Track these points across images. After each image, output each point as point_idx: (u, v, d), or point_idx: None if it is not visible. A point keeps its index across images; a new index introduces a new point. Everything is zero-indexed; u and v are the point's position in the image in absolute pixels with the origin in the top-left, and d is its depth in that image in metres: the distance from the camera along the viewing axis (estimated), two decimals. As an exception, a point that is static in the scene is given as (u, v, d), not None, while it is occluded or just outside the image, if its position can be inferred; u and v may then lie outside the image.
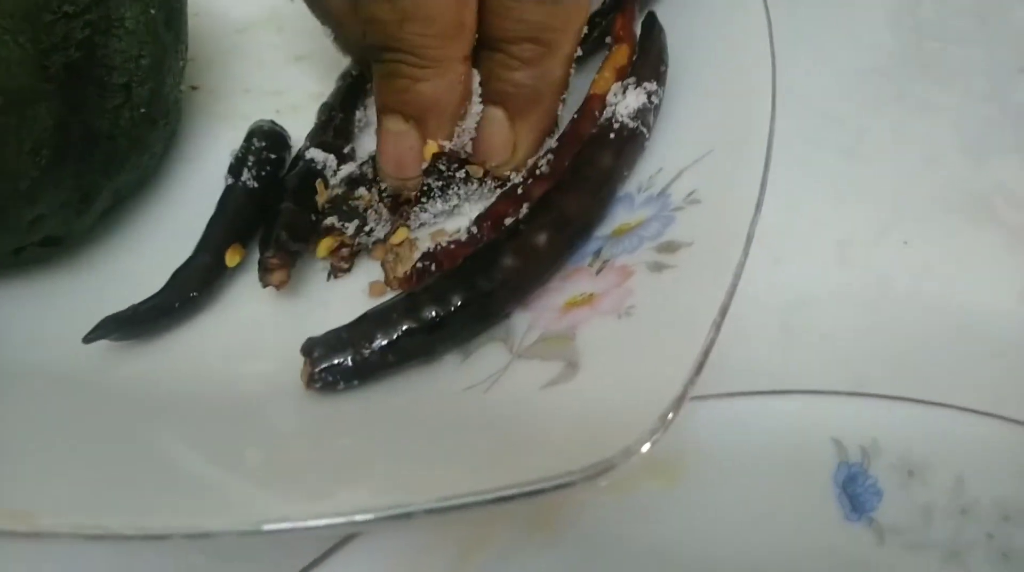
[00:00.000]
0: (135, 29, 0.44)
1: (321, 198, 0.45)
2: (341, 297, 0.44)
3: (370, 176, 0.46)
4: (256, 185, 0.47)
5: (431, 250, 0.43)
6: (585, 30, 0.43)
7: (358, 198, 0.45)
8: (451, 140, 0.42)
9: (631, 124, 0.42)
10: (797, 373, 0.44)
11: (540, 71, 0.41)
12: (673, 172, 0.41)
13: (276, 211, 0.45)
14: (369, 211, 0.45)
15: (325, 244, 0.44)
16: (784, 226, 0.51)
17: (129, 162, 0.46)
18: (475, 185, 0.45)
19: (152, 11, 0.45)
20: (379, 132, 0.42)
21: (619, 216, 0.41)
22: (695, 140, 0.42)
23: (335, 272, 0.45)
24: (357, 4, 0.40)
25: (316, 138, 0.49)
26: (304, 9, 0.58)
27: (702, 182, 0.39)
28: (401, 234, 0.46)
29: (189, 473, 0.33)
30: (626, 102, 0.42)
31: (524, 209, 0.42)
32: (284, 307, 0.44)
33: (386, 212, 0.45)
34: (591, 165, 0.41)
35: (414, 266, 0.42)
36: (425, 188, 0.45)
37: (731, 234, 0.34)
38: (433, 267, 0.42)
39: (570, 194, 0.41)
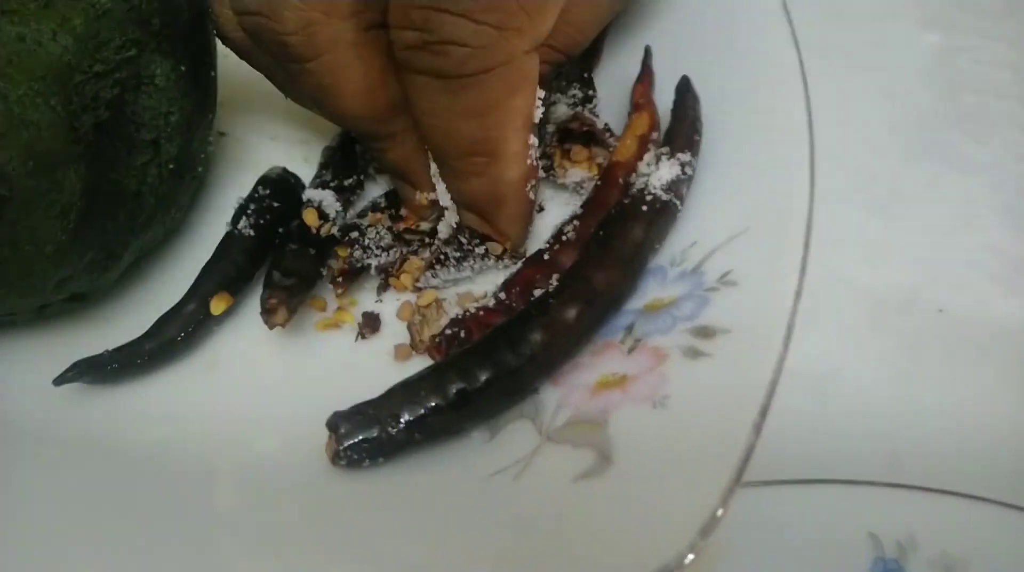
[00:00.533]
0: (165, 86, 0.44)
1: (311, 222, 0.45)
2: (365, 360, 0.44)
3: (383, 205, 0.47)
4: (252, 233, 0.46)
5: (459, 316, 0.42)
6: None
7: (363, 215, 0.47)
8: (431, 191, 0.44)
9: (664, 197, 0.41)
10: (831, 452, 0.43)
11: (492, 177, 0.40)
12: (707, 248, 0.40)
13: (278, 252, 0.45)
14: (370, 228, 0.46)
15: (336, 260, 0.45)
16: (815, 287, 0.50)
17: (156, 218, 0.46)
18: (491, 261, 0.45)
19: (182, 67, 0.45)
20: None
21: (651, 289, 0.40)
22: (730, 215, 0.41)
23: (363, 331, 0.45)
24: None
25: (315, 181, 0.49)
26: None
27: (738, 262, 0.38)
28: (429, 296, 0.45)
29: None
30: (659, 174, 0.41)
31: (553, 279, 0.41)
32: (298, 365, 0.44)
33: (388, 235, 0.46)
34: (622, 238, 0.40)
35: (442, 332, 0.42)
36: (442, 256, 0.45)
37: (771, 326, 0.34)
38: (462, 334, 0.41)
39: (600, 267, 0.40)
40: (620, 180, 0.43)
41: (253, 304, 0.46)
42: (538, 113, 0.40)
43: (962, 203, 0.57)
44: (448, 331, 0.41)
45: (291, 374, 0.43)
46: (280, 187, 0.49)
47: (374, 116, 0.41)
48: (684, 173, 0.42)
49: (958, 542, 0.35)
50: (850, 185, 0.57)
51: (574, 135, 0.47)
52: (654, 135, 0.44)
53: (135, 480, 0.38)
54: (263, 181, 0.49)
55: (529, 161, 0.41)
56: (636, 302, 0.40)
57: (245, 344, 0.44)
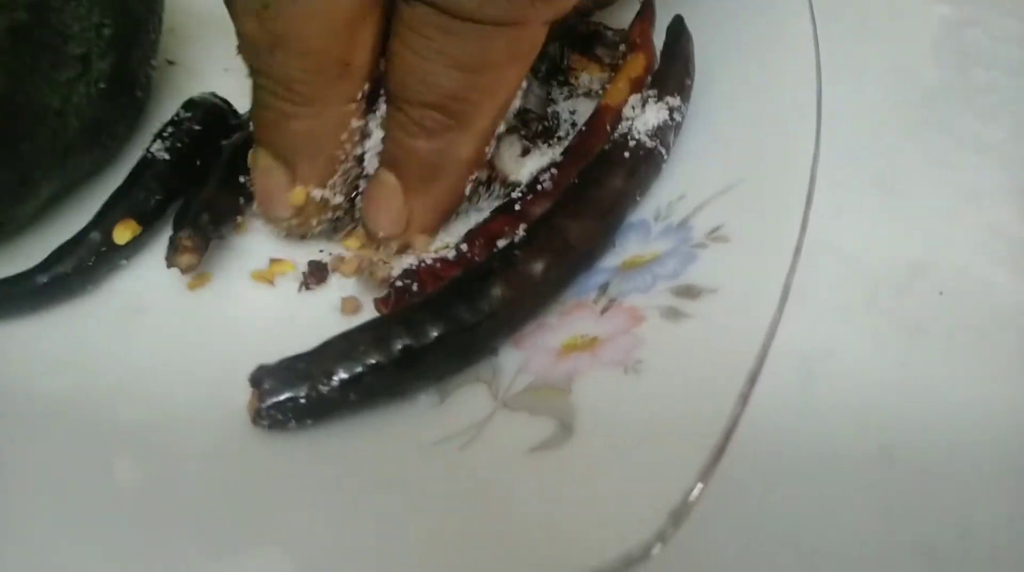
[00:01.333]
0: (96, -6, 0.39)
1: (252, 165, 0.39)
2: (307, 312, 0.39)
3: None
4: (167, 156, 0.41)
5: (412, 267, 0.37)
6: (517, 103, 0.36)
7: None
8: (324, 188, 0.37)
9: (648, 143, 0.37)
10: (817, 440, 0.39)
11: (443, 145, 0.34)
12: (696, 201, 0.35)
13: (201, 183, 0.40)
14: None
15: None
16: (810, 262, 0.46)
17: (82, 145, 0.41)
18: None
19: (119, -26, 0.40)
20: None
21: (631, 246, 0.36)
22: (723, 165, 0.36)
23: (307, 281, 0.40)
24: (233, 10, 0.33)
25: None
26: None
27: (731, 217, 0.33)
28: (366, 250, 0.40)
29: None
30: (644, 118, 0.37)
31: (521, 230, 0.36)
32: (228, 316, 0.39)
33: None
34: (600, 185, 0.36)
35: (392, 283, 0.37)
36: None
37: (764, 286, 0.29)
38: (414, 286, 0.37)
39: (574, 217, 0.35)
40: (608, 126, 0.39)
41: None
42: (516, 102, 0.36)
43: (968, 182, 0.53)
44: (398, 283, 0.37)
45: (219, 325, 0.38)
46: (207, 113, 0.44)
47: (328, 60, 0.33)
48: (672, 119, 0.37)
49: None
50: (852, 157, 0.52)
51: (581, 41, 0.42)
52: (647, 78, 0.40)
53: (21, 437, 0.33)
54: (188, 104, 0.44)
55: (486, 149, 0.36)
56: (613, 259, 0.36)
57: (166, 288, 0.39)
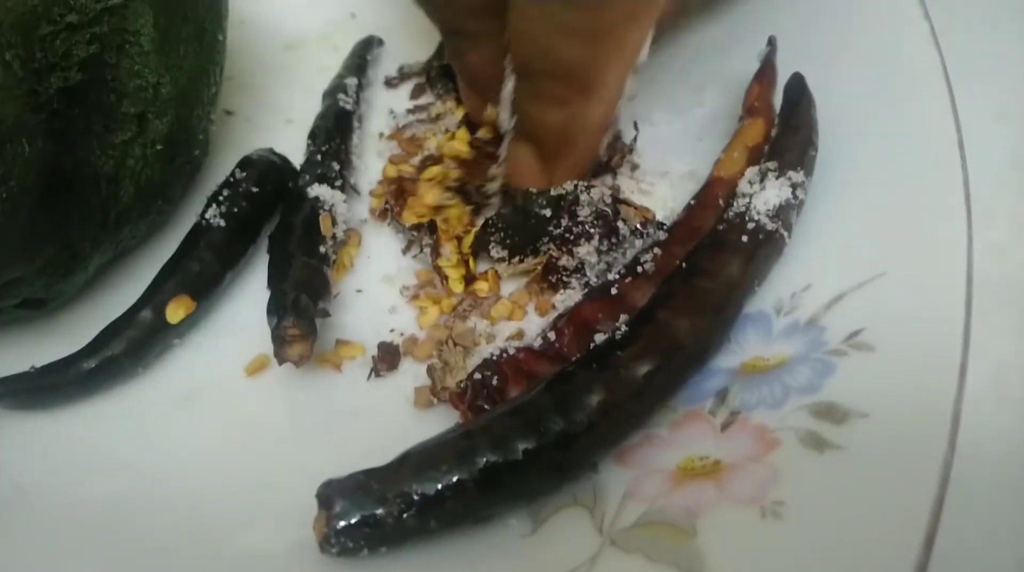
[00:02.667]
0: (153, 48, 0.36)
1: (326, 231, 0.38)
2: (378, 404, 0.35)
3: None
4: (223, 223, 0.38)
5: (492, 357, 0.33)
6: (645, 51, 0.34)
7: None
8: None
9: (769, 225, 0.32)
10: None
11: (572, 114, 0.34)
12: (827, 294, 0.31)
13: (282, 265, 0.36)
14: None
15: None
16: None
17: (137, 210, 0.37)
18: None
19: (179, 26, 0.37)
20: None
21: (750, 344, 0.31)
22: (856, 252, 0.32)
23: (377, 366, 0.36)
24: None
25: (314, 170, 0.40)
26: (367, 27, 0.49)
27: (873, 318, 0.29)
28: (459, 328, 0.36)
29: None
30: (764, 196, 0.33)
31: (620, 322, 0.32)
32: (290, 408, 0.35)
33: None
34: (712, 275, 0.31)
35: (470, 376, 0.33)
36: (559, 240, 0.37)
37: (928, 414, 0.24)
38: (495, 381, 0.32)
39: (682, 311, 0.31)
40: (720, 201, 0.34)
41: (230, 319, 0.37)
42: (644, 53, 0.34)
43: None
44: (477, 375, 0.32)
45: (279, 417, 0.34)
46: (264, 172, 0.40)
47: (472, 5, 0.35)
48: (795, 197, 0.33)
49: None
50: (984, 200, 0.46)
51: None
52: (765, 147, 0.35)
53: (69, 549, 0.29)
54: (244, 163, 0.41)
55: (617, 110, 0.35)
56: (731, 359, 0.31)
57: (222, 371, 0.36)
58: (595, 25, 0.31)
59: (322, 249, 0.37)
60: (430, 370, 0.35)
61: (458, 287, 0.37)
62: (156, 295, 0.36)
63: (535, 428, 0.28)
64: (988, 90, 0.51)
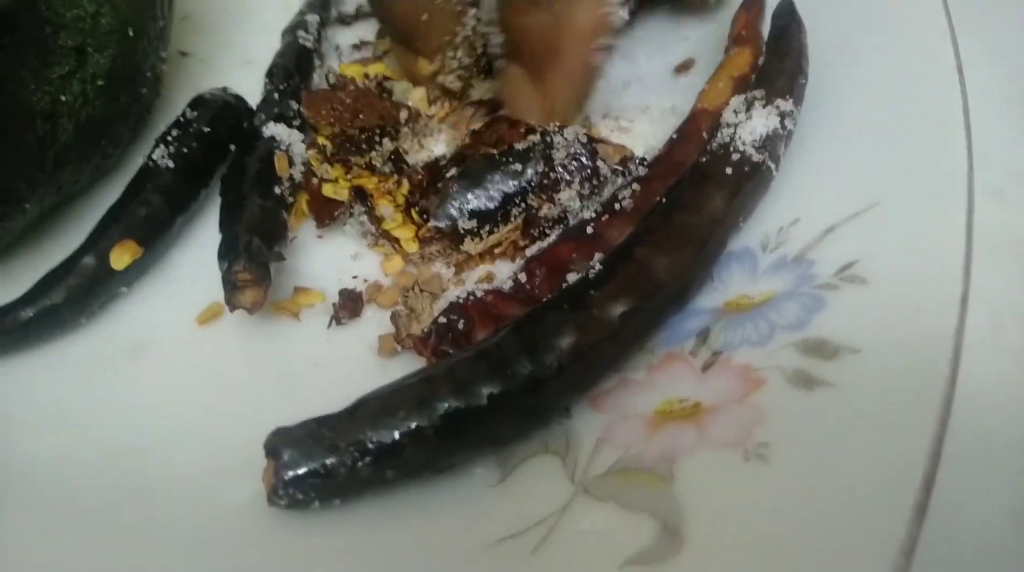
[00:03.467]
0: (90, -27, 0.33)
1: (283, 173, 0.35)
2: (339, 354, 0.33)
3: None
4: (171, 164, 0.36)
5: (459, 300, 0.31)
6: None
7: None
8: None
9: (755, 156, 0.30)
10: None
11: (553, 14, 0.32)
12: (817, 228, 0.29)
13: (235, 207, 0.34)
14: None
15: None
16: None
17: (76, 151, 0.35)
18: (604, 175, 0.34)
19: (118, -49, 0.34)
20: None
21: (735, 281, 0.29)
22: (849, 183, 0.30)
23: (338, 314, 0.34)
24: None
25: (271, 109, 0.38)
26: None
27: (866, 250, 0.27)
28: (425, 273, 0.34)
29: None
30: (750, 125, 0.30)
31: (595, 261, 0.29)
32: (245, 358, 0.33)
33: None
34: (694, 209, 0.29)
35: (435, 320, 0.31)
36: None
37: (927, 347, 0.22)
38: (460, 324, 0.30)
39: (662, 248, 0.29)
40: (704, 134, 0.32)
41: (181, 267, 0.35)
42: None
43: None
44: (442, 319, 0.30)
45: (233, 369, 0.32)
46: (217, 111, 0.38)
47: None
48: (783, 126, 0.31)
49: None
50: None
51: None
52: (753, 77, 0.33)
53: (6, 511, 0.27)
54: (195, 102, 0.38)
55: (605, 13, 0.33)
56: (713, 298, 0.29)
57: (172, 322, 0.33)
58: None
59: (278, 190, 0.35)
60: (394, 317, 0.32)
61: (412, 246, 0.35)
62: (100, 240, 0.34)
63: (501, 372, 0.26)
64: (984, 29, 0.49)
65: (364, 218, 0.35)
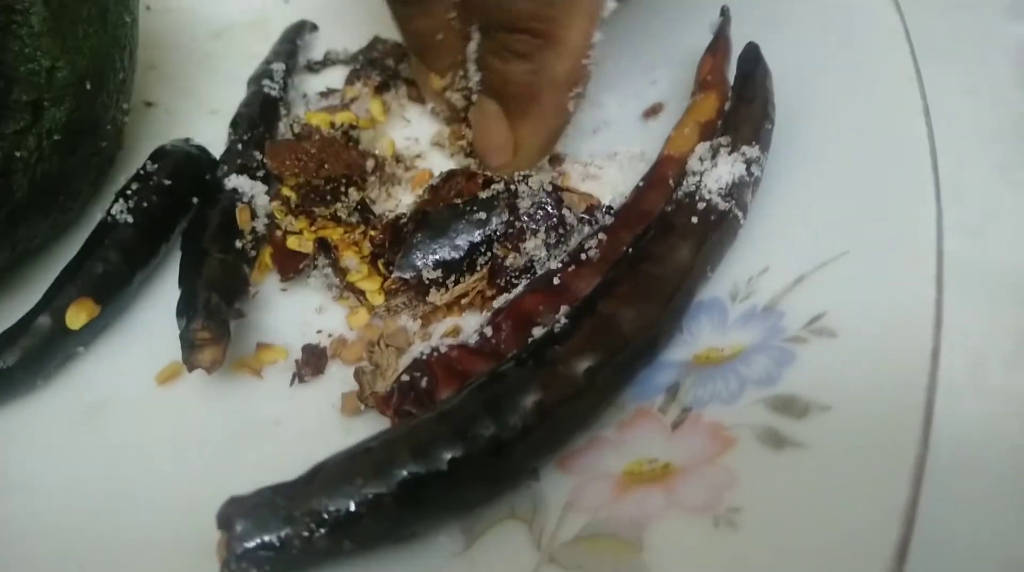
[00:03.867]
0: (45, 29, 0.32)
1: (244, 226, 0.35)
2: (299, 411, 0.32)
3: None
4: (131, 219, 0.35)
5: (422, 356, 0.30)
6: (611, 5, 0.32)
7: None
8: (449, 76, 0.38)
9: (722, 204, 0.29)
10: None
11: (536, 66, 0.33)
12: (787, 277, 0.28)
13: (195, 261, 0.33)
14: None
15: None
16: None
17: (32, 207, 0.34)
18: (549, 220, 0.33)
19: (74, 4, 0.33)
20: None
21: (704, 333, 0.29)
22: (816, 232, 0.29)
23: (301, 371, 0.33)
24: None
25: (234, 160, 0.37)
26: (300, 14, 0.46)
27: (835, 302, 0.26)
28: (391, 326, 0.33)
29: None
30: (716, 173, 0.30)
31: (560, 315, 0.29)
32: (204, 419, 0.32)
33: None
34: (659, 261, 0.29)
35: (397, 378, 0.30)
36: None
37: (899, 403, 0.22)
38: (424, 382, 0.29)
39: (628, 301, 0.28)
40: (671, 181, 0.31)
41: (140, 325, 0.34)
42: (609, 6, 0.32)
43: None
44: (404, 377, 0.29)
45: (194, 432, 0.31)
46: (178, 163, 0.37)
47: None
48: (750, 173, 0.30)
49: None
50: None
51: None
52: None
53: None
54: (156, 154, 0.37)
55: (584, 62, 0.33)
56: (683, 350, 0.28)
57: (130, 382, 0.32)
58: None
59: (239, 244, 0.34)
60: (358, 374, 0.31)
61: (378, 299, 0.34)
62: (55, 299, 0.33)
63: (463, 434, 0.25)
64: (956, 68, 0.49)
65: (329, 270, 0.35)
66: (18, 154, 0.33)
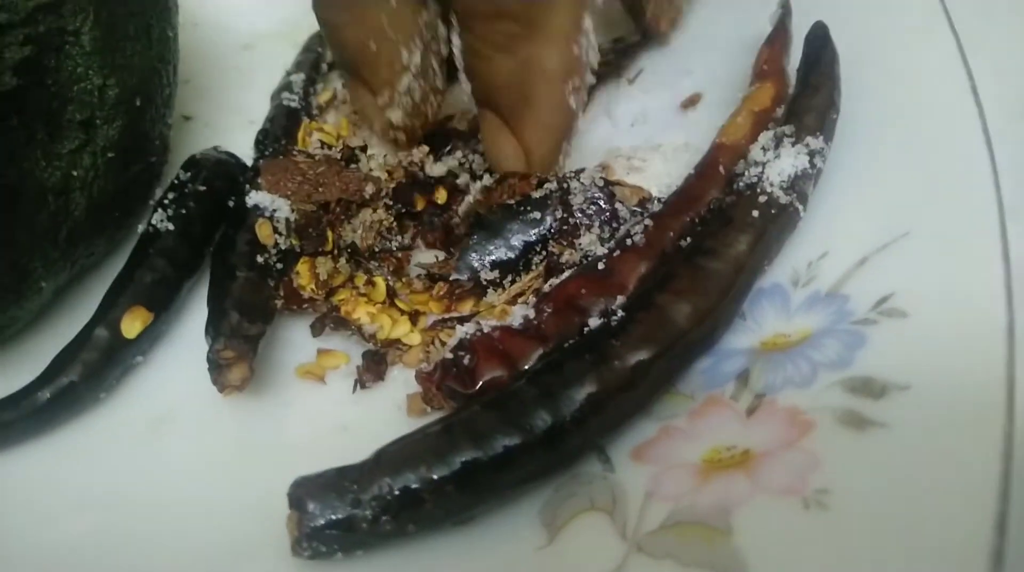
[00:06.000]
0: (95, 49, 0.33)
1: (267, 241, 0.34)
2: (365, 416, 0.32)
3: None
4: (171, 227, 0.35)
5: (467, 337, 0.30)
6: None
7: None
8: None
9: (783, 198, 0.29)
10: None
11: (522, 59, 0.30)
12: (848, 261, 0.28)
13: (221, 280, 0.33)
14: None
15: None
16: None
17: (90, 225, 0.34)
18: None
19: (122, 22, 0.34)
20: None
21: (768, 318, 0.29)
22: (875, 214, 0.29)
23: (362, 377, 0.33)
24: None
25: (257, 178, 0.36)
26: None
27: (902, 282, 0.26)
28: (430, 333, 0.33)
29: None
30: (779, 165, 0.30)
31: (617, 306, 0.29)
32: (271, 426, 0.32)
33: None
34: (718, 254, 0.29)
35: (442, 357, 0.30)
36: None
37: (979, 379, 0.22)
38: (466, 360, 0.29)
39: (684, 294, 0.28)
40: (722, 169, 0.31)
41: (197, 333, 0.34)
42: None
43: None
44: (448, 355, 0.30)
45: (259, 436, 0.31)
46: (211, 171, 0.37)
47: None
48: (813, 165, 0.30)
49: None
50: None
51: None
52: (777, 112, 0.33)
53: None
54: (188, 163, 0.38)
55: (576, 51, 0.31)
56: (748, 338, 0.29)
57: (193, 391, 0.32)
58: None
59: (260, 259, 0.33)
60: (418, 375, 0.32)
61: (415, 338, 0.33)
62: (109, 311, 0.33)
63: (519, 424, 0.25)
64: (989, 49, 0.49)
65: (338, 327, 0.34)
66: (75, 173, 0.33)
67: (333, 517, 0.25)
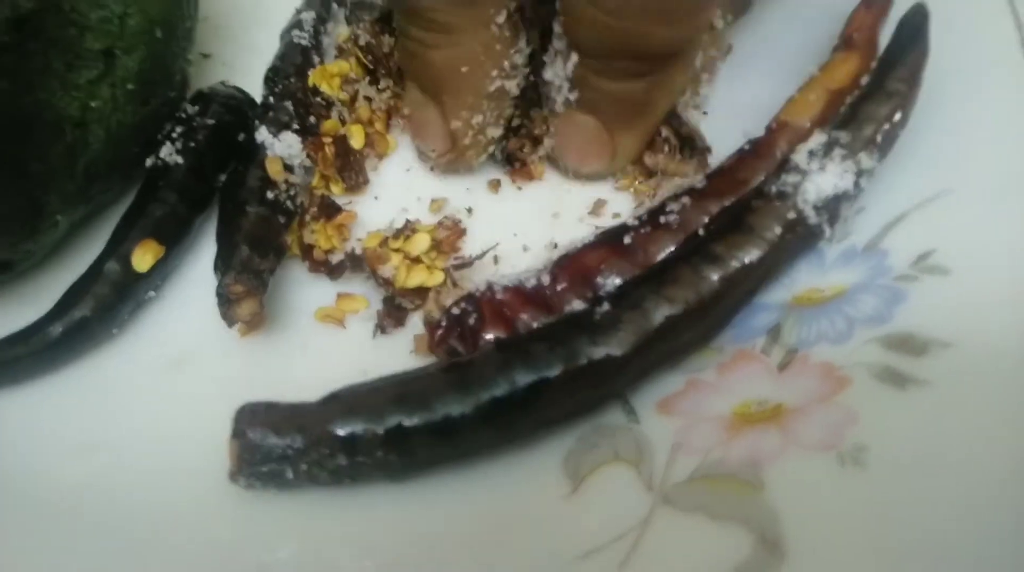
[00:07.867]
0: (116, -26, 0.32)
1: (277, 177, 0.33)
2: (384, 360, 0.31)
3: None
4: (181, 160, 0.34)
5: (477, 293, 0.30)
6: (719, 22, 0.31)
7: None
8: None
9: (813, 218, 0.27)
10: None
11: (652, 82, 0.31)
12: (884, 217, 0.27)
13: (231, 216, 0.32)
14: None
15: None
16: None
17: (107, 159, 0.34)
18: None
19: (144, -50, 0.33)
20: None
21: (801, 273, 0.28)
22: (914, 172, 0.28)
23: (383, 322, 0.33)
24: None
25: (265, 114, 0.36)
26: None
27: (943, 239, 0.25)
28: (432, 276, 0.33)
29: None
30: (819, 181, 0.27)
31: (614, 270, 0.29)
32: (289, 369, 0.32)
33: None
34: (721, 263, 0.27)
35: (447, 310, 0.30)
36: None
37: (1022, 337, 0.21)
38: (472, 319, 0.29)
39: (673, 301, 0.26)
40: (779, 153, 0.29)
41: (207, 269, 0.34)
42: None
43: None
44: (455, 310, 0.29)
45: (277, 381, 0.31)
46: (220, 106, 0.36)
47: None
48: (857, 186, 0.27)
49: None
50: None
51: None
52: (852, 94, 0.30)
53: (37, 546, 0.26)
54: (196, 98, 0.37)
55: (697, 64, 0.32)
56: (780, 292, 0.28)
57: (209, 331, 0.32)
58: (686, 5, 0.27)
59: (271, 195, 0.33)
60: (426, 323, 0.31)
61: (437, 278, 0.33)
62: (120, 245, 0.33)
63: (471, 392, 0.25)
64: None
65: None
66: (93, 104, 0.32)
67: (267, 457, 0.25)
